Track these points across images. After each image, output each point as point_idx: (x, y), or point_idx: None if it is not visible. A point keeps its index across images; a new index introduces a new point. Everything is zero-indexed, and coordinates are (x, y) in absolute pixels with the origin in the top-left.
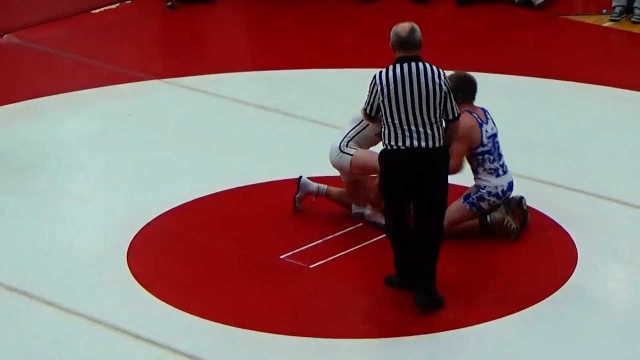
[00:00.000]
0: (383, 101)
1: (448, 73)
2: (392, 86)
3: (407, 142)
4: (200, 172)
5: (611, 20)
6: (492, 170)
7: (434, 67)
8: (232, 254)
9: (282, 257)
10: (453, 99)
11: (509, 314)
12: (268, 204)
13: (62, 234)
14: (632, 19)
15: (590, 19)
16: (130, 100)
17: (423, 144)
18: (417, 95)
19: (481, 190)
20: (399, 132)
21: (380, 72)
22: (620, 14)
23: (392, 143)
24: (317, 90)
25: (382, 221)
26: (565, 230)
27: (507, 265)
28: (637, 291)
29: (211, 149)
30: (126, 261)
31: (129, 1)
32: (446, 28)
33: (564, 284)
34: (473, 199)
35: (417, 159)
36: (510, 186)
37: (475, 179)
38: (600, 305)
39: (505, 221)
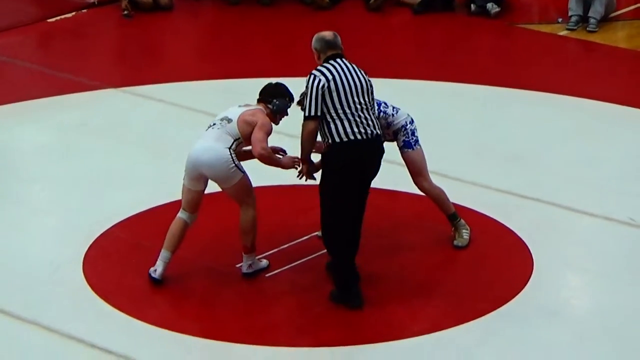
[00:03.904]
0: (331, 94)
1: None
2: (337, 77)
3: (362, 130)
4: (157, 180)
5: (567, 29)
6: (387, 115)
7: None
8: (188, 262)
9: (237, 265)
10: None
11: (465, 322)
12: (224, 213)
13: (17, 244)
14: (587, 28)
15: (546, 28)
16: (86, 110)
17: (374, 131)
18: (358, 82)
19: (406, 127)
20: (352, 121)
21: (319, 69)
22: (576, 23)
23: (344, 135)
24: None
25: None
26: (520, 238)
27: (464, 272)
28: (590, 299)
29: (167, 158)
30: (82, 271)
31: (85, 10)
32: (402, 37)
33: (520, 291)
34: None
35: (372, 147)
36: None
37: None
38: (555, 313)
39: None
